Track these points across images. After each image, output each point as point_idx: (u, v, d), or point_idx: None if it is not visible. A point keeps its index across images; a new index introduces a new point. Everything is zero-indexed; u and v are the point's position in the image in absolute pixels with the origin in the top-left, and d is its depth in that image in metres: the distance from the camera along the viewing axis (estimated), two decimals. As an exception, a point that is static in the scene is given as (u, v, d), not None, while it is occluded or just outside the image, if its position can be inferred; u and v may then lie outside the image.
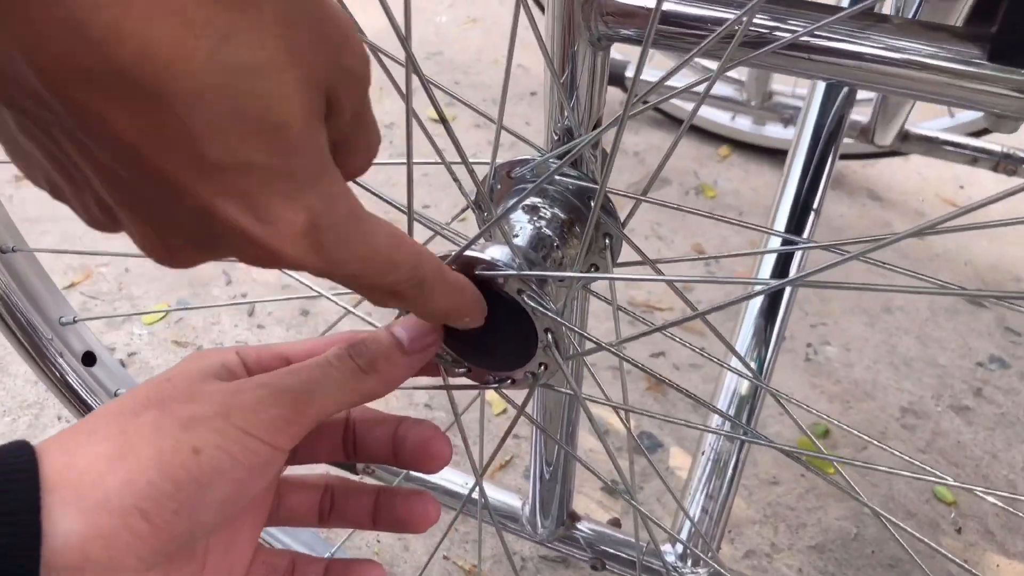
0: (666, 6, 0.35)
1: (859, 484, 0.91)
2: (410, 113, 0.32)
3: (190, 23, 0.18)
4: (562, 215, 0.40)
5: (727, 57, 0.33)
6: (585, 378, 0.56)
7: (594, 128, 0.41)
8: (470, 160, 0.35)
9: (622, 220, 0.39)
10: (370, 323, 0.50)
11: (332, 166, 0.24)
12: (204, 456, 0.27)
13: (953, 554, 0.50)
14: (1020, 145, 1.09)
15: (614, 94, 1.41)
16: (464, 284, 0.32)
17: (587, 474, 0.88)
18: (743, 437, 0.60)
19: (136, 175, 0.20)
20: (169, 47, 0.18)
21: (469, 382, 0.39)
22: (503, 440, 0.43)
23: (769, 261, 0.66)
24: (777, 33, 0.35)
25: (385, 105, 1.52)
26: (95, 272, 1.15)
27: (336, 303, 0.52)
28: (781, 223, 0.67)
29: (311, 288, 0.52)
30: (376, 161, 0.28)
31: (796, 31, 0.34)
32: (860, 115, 1.11)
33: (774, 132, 1.38)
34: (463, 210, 0.46)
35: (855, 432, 0.41)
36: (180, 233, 0.23)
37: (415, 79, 0.31)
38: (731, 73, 1.29)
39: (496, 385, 0.39)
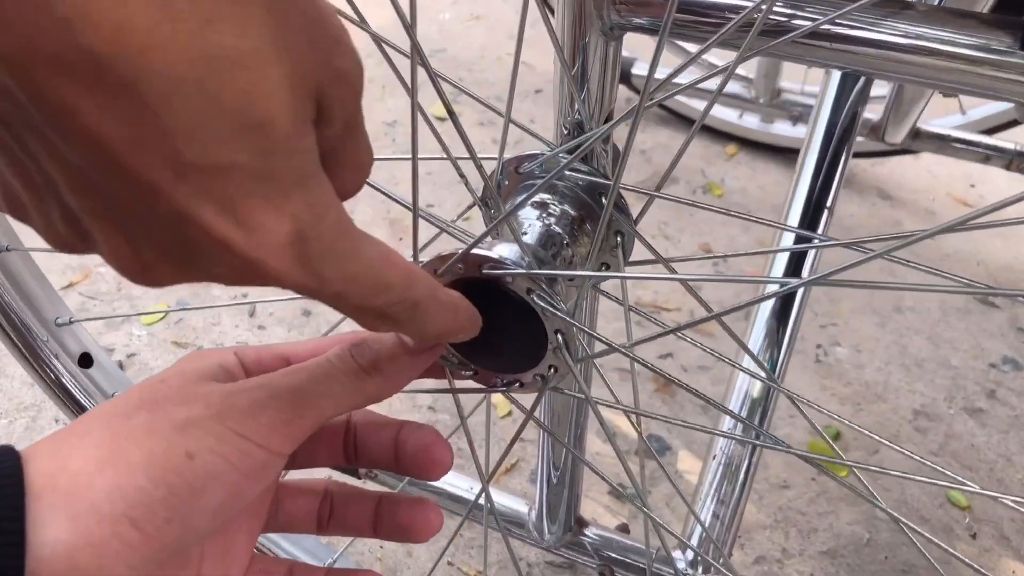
0: (683, -7, 0.34)
1: (871, 488, 0.89)
2: (415, 106, 0.31)
3: (168, 5, 0.17)
4: (572, 212, 0.39)
5: (746, 47, 0.31)
6: (593, 379, 0.54)
7: (605, 122, 0.40)
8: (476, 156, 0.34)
9: (634, 217, 0.38)
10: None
11: (321, 174, 0.22)
12: (198, 461, 0.26)
13: (968, 559, 0.48)
14: (1033, 142, 1.07)
15: (618, 92, 1.40)
16: (457, 303, 0.30)
17: (594, 477, 0.86)
18: (758, 442, 0.58)
19: (106, 176, 0.19)
20: (144, 31, 0.17)
21: (476, 385, 0.38)
22: (510, 446, 0.42)
23: (782, 260, 0.65)
24: (797, 21, 0.33)
25: (388, 103, 1.51)
26: (94, 272, 1.13)
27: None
28: (794, 221, 0.66)
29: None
30: (379, 157, 0.27)
31: (818, 18, 0.33)
32: (871, 112, 1.09)
33: (782, 130, 1.36)
34: (469, 207, 0.45)
35: (867, 433, 0.40)
36: (154, 245, 0.21)
37: (421, 72, 0.30)
38: (739, 69, 1.28)
39: (504, 388, 0.38)
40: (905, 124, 1.01)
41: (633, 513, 0.86)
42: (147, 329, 1.06)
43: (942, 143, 1.08)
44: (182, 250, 0.21)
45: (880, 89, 1.09)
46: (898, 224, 1.27)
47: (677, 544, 0.63)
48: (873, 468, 0.39)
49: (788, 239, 0.68)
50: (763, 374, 0.59)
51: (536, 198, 0.38)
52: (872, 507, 0.84)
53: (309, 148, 0.21)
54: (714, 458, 0.63)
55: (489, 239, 0.34)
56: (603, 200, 0.38)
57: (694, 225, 1.25)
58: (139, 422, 0.26)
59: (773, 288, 0.63)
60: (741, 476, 0.62)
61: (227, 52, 0.18)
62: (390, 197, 0.41)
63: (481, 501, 0.47)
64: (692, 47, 1.35)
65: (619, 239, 0.39)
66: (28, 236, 0.28)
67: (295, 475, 0.37)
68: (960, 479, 0.39)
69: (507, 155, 0.39)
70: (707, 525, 0.61)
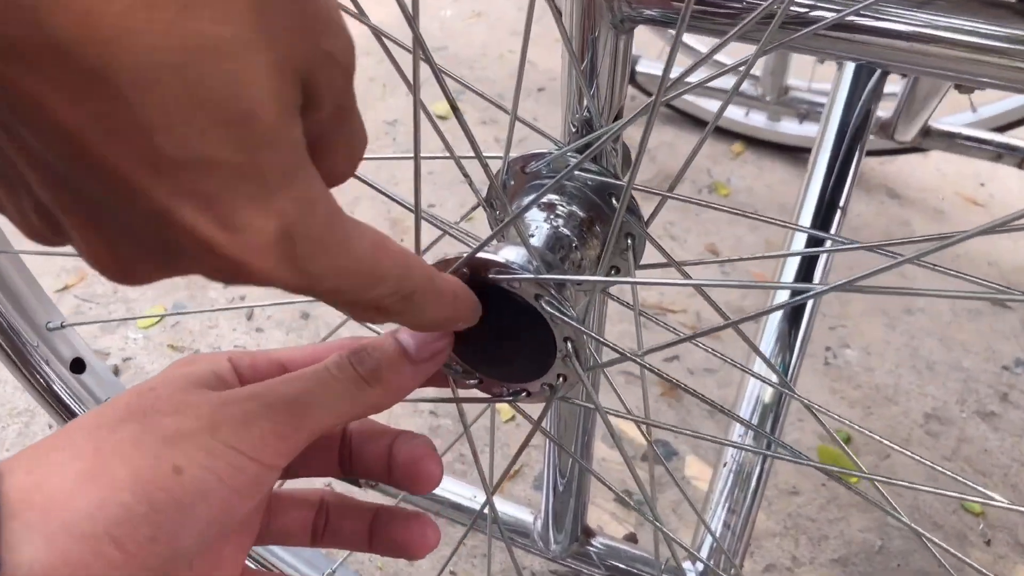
0: (699, -18, 0.32)
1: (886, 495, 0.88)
2: (417, 103, 0.29)
3: None
4: (581, 213, 0.37)
5: (766, 39, 0.29)
6: (601, 385, 0.53)
7: (615, 120, 0.38)
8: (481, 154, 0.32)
9: (645, 219, 0.36)
10: (373, 328, 0.47)
11: (309, 165, 0.20)
12: (187, 476, 0.24)
13: (982, 567, 0.47)
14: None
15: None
16: (457, 289, 0.29)
17: (600, 484, 0.85)
18: (772, 453, 0.56)
19: (80, 173, 0.17)
20: (117, 16, 0.15)
21: (480, 394, 0.36)
22: (516, 456, 0.40)
23: (794, 262, 0.63)
24: (819, 12, 0.32)
25: (388, 102, 1.49)
26: (89, 274, 1.12)
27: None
28: (806, 221, 0.64)
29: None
30: (380, 156, 0.25)
31: (841, 10, 0.31)
32: (881, 110, 1.07)
33: (789, 128, 1.34)
34: (473, 208, 0.43)
35: (878, 438, 0.38)
36: (133, 243, 0.19)
37: (423, 67, 0.28)
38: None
39: (511, 398, 0.36)
40: (917, 122, 0.99)
41: (640, 520, 0.84)
42: (143, 332, 1.05)
43: (953, 141, 1.07)
44: (162, 249, 0.19)
45: (892, 86, 1.07)
46: (906, 224, 1.25)
47: (687, 555, 0.61)
48: (897, 482, 0.37)
49: (799, 240, 0.66)
50: (776, 380, 0.57)
51: (543, 199, 0.37)
52: (883, 513, 0.82)
53: (295, 140, 0.19)
54: (724, 465, 0.62)
55: (495, 242, 0.32)
56: (613, 201, 0.36)
57: (700, 225, 1.23)
58: (125, 434, 0.25)
59: (788, 294, 0.62)
60: (752, 484, 0.61)
61: (206, 40, 0.16)
62: (391, 198, 0.40)
63: (485, 511, 0.46)
64: (697, 41, 1.33)
65: (630, 242, 0.37)
66: (19, 238, 0.27)
67: (290, 485, 0.35)
68: (987, 492, 0.37)
69: (512, 154, 0.37)
70: (718, 535, 0.59)
